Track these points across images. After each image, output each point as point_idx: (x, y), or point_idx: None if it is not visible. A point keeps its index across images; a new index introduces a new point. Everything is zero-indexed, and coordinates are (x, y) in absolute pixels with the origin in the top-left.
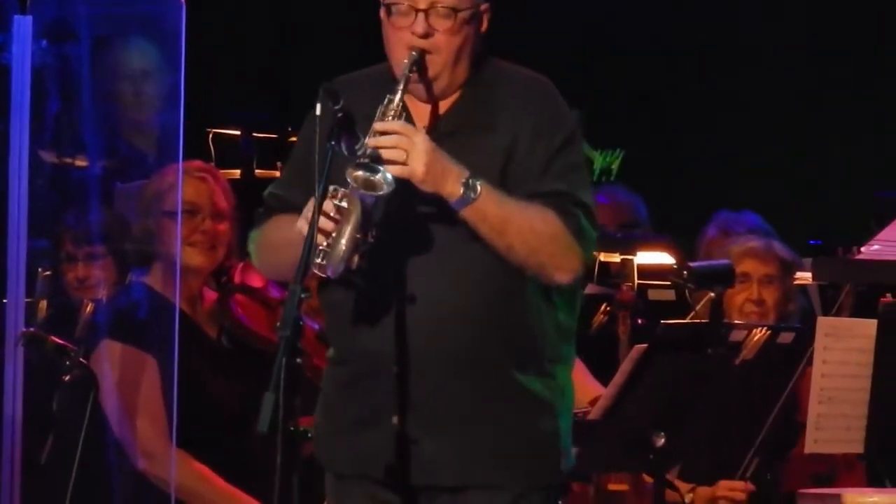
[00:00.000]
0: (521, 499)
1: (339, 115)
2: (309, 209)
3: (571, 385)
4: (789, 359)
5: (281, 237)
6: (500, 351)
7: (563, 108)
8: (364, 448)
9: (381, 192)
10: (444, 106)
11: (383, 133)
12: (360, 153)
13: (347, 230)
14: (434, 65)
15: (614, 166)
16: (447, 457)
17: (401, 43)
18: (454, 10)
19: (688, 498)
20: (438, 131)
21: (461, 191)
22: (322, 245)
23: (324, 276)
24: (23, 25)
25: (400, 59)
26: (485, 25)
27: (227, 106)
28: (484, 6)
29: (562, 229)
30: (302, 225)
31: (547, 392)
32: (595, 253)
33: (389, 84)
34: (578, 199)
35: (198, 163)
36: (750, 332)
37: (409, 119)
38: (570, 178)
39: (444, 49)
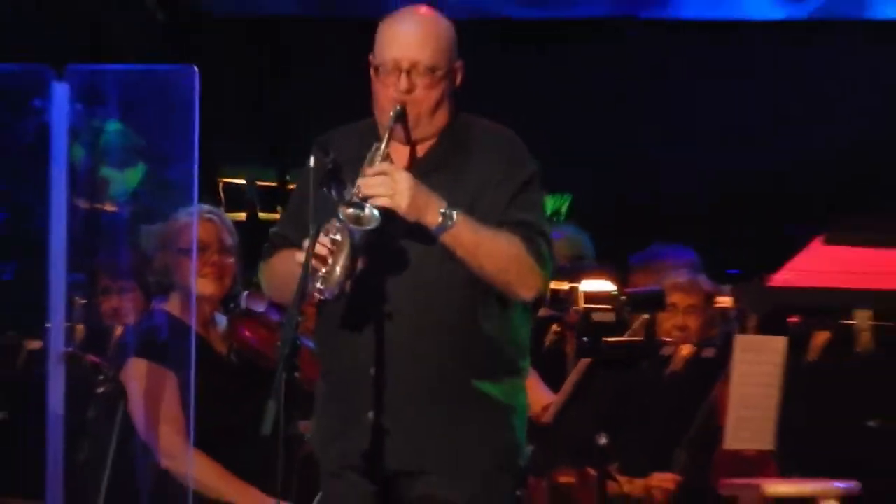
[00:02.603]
0: (489, 485)
1: (330, 166)
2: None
3: (525, 390)
4: (711, 371)
5: (285, 269)
6: (463, 359)
7: (524, 154)
8: (347, 444)
9: (368, 227)
10: (422, 150)
11: (373, 176)
12: (348, 196)
13: (341, 259)
14: (415, 115)
15: (563, 209)
16: (413, 446)
17: (387, 97)
18: (432, 70)
19: (626, 488)
20: (417, 171)
21: (440, 219)
22: (321, 272)
23: (322, 297)
24: (60, 91)
25: (386, 110)
26: (459, 80)
27: (234, 159)
28: (458, 63)
29: (525, 253)
30: (300, 257)
31: (503, 396)
32: None
33: (374, 135)
34: (540, 228)
35: (207, 207)
36: (678, 348)
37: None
38: (531, 212)
39: (423, 101)
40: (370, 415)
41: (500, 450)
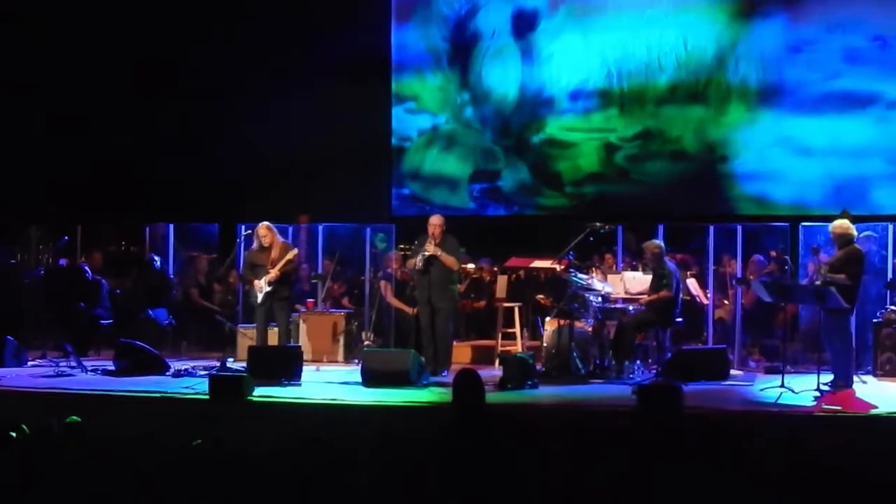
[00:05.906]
0: (450, 304)
1: (416, 244)
2: (413, 260)
3: (458, 287)
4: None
5: (410, 264)
6: (445, 284)
7: (455, 242)
8: (423, 297)
9: (426, 256)
10: (437, 244)
11: (425, 248)
12: (421, 250)
13: (419, 263)
14: (434, 236)
15: (463, 250)
16: (436, 297)
17: (430, 232)
18: (439, 227)
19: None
20: (435, 247)
21: (439, 253)
22: (415, 265)
23: (418, 270)
24: (367, 231)
25: (429, 234)
26: (444, 228)
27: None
28: (444, 224)
29: (454, 260)
30: (415, 261)
31: (454, 288)
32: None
33: (426, 239)
34: (458, 256)
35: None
36: (495, 284)
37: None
38: (456, 254)
39: (436, 230)
40: (427, 294)
41: (454, 296)
